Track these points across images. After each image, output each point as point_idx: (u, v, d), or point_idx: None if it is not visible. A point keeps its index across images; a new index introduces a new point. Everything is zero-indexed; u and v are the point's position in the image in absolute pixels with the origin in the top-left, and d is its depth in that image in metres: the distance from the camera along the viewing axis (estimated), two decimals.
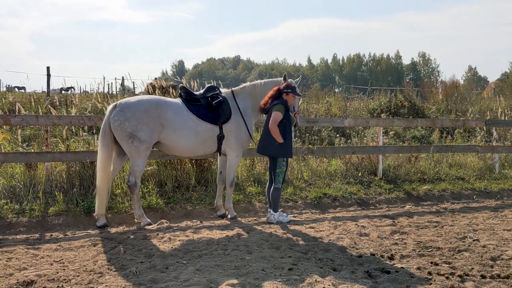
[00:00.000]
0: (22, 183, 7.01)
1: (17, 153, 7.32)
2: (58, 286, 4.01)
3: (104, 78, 24.45)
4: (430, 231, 6.08)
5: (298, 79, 6.90)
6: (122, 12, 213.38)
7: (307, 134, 11.35)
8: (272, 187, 6.40)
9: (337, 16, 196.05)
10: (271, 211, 6.46)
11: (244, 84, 6.87)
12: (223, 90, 6.67)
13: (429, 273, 4.42)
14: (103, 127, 6.02)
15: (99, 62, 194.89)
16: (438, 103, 17.22)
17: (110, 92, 20.48)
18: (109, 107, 6.11)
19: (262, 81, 6.83)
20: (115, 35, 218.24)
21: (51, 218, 6.40)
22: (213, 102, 6.29)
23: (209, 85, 6.80)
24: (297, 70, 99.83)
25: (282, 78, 6.67)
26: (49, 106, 10.00)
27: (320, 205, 7.71)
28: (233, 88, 6.77)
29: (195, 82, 11.86)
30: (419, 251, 5.13)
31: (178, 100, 6.35)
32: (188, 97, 6.37)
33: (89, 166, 7.20)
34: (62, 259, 4.78)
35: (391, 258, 4.91)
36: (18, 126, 8.59)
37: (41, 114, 10.20)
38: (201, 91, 6.55)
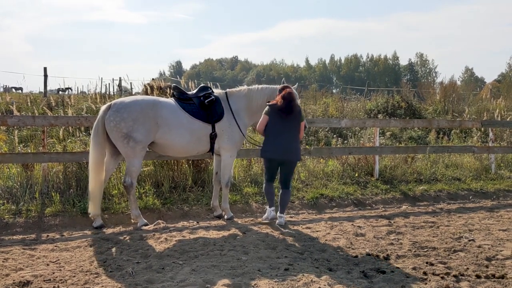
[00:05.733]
0: (18, 183, 7.00)
1: (14, 153, 7.32)
2: (54, 287, 4.02)
3: (101, 78, 24.41)
4: (426, 231, 6.10)
5: (295, 85, 6.91)
6: (119, 12, 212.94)
7: (304, 135, 11.37)
8: (285, 191, 6.39)
9: (334, 17, 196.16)
10: (282, 215, 6.43)
11: (240, 87, 6.92)
12: (216, 91, 6.71)
13: (425, 273, 4.44)
14: (95, 126, 6.01)
15: (97, 62, 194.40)
16: (435, 104, 17.27)
17: (108, 92, 20.49)
18: (103, 107, 6.11)
19: (260, 86, 6.88)
20: (112, 35, 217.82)
21: (48, 218, 6.40)
22: (206, 101, 6.33)
23: (201, 85, 6.83)
24: (295, 70, 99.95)
25: (280, 85, 6.67)
26: (45, 107, 10.00)
27: (316, 205, 7.73)
28: (227, 90, 6.80)
29: (192, 83, 11.87)
30: (414, 251, 5.16)
31: (172, 100, 6.38)
32: (181, 96, 6.40)
33: (85, 167, 7.18)
34: (58, 260, 4.78)
35: (387, 258, 4.94)
36: (15, 127, 8.58)
37: (37, 114, 10.19)
38: (194, 91, 6.59)
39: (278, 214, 6.43)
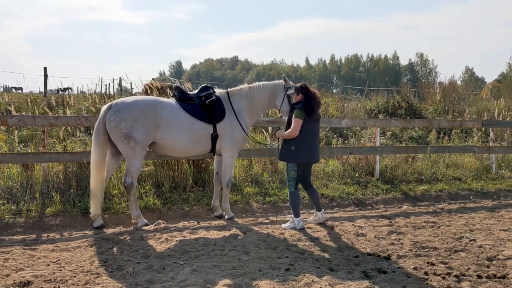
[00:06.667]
0: (19, 183, 6.99)
1: (14, 153, 7.32)
2: (55, 287, 4.01)
3: (101, 79, 24.40)
4: (426, 231, 6.09)
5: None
6: (119, 12, 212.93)
7: None
8: (314, 188, 6.45)
9: (334, 17, 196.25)
10: (323, 210, 6.51)
11: (241, 86, 6.88)
12: (218, 91, 6.69)
13: (426, 273, 4.43)
14: (96, 126, 6.01)
15: (96, 62, 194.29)
16: (435, 104, 17.26)
17: (108, 92, 20.49)
18: (104, 107, 6.11)
19: (261, 83, 6.83)
20: (111, 35, 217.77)
21: (48, 218, 6.39)
22: (207, 101, 6.31)
23: (203, 85, 6.81)
24: (295, 70, 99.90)
25: (282, 80, 6.67)
26: (45, 107, 10.00)
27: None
28: (228, 89, 6.78)
29: (189, 83, 11.87)
30: (415, 251, 5.15)
31: (172, 100, 6.37)
32: (182, 97, 6.39)
33: (86, 167, 7.18)
34: (59, 260, 4.77)
35: (388, 258, 4.93)
36: (15, 127, 8.57)
37: (37, 114, 10.19)
38: (195, 91, 6.58)
39: (321, 212, 6.47)
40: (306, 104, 6.05)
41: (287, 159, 6.17)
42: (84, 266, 4.57)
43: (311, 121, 6.12)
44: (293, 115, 6.06)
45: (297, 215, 6.16)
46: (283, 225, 6.24)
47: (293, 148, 6.07)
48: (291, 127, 6.04)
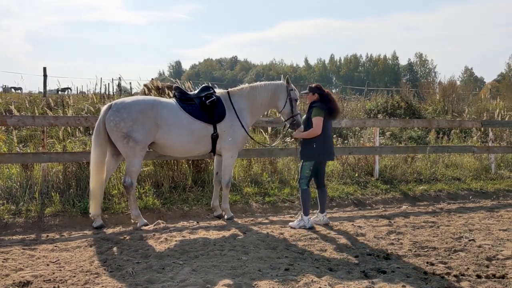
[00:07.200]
0: (18, 183, 6.99)
1: (14, 153, 7.32)
2: (54, 287, 4.01)
3: (101, 79, 24.36)
4: (426, 231, 6.10)
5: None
6: (118, 12, 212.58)
7: None
8: (324, 189, 6.51)
9: (334, 17, 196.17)
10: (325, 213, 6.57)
11: (242, 86, 6.88)
12: (218, 91, 6.68)
13: (425, 273, 4.44)
14: (97, 126, 6.01)
15: (95, 62, 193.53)
16: (435, 104, 17.27)
17: (107, 92, 20.49)
18: (104, 107, 6.11)
19: (262, 83, 6.83)
20: (111, 35, 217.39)
21: (48, 218, 6.39)
22: (207, 101, 6.31)
23: (203, 85, 6.81)
24: (295, 70, 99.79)
25: (284, 81, 6.68)
26: (45, 107, 9.99)
27: (317, 205, 7.70)
28: (229, 89, 6.78)
29: (189, 83, 11.87)
30: (415, 251, 5.15)
31: (172, 100, 6.37)
32: (182, 97, 6.39)
33: (85, 167, 7.18)
34: (58, 260, 4.77)
35: (387, 258, 4.93)
36: (14, 127, 8.57)
37: (37, 114, 10.18)
38: (195, 91, 6.57)
39: (323, 214, 6.47)
40: (327, 103, 6.18)
41: (310, 158, 6.20)
42: (83, 266, 4.57)
43: (328, 119, 6.22)
44: (313, 114, 6.14)
45: (307, 213, 6.22)
46: (290, 224, 6.28)
47: (314, 146, 6.14)
48: (314, 125, 6.10)
